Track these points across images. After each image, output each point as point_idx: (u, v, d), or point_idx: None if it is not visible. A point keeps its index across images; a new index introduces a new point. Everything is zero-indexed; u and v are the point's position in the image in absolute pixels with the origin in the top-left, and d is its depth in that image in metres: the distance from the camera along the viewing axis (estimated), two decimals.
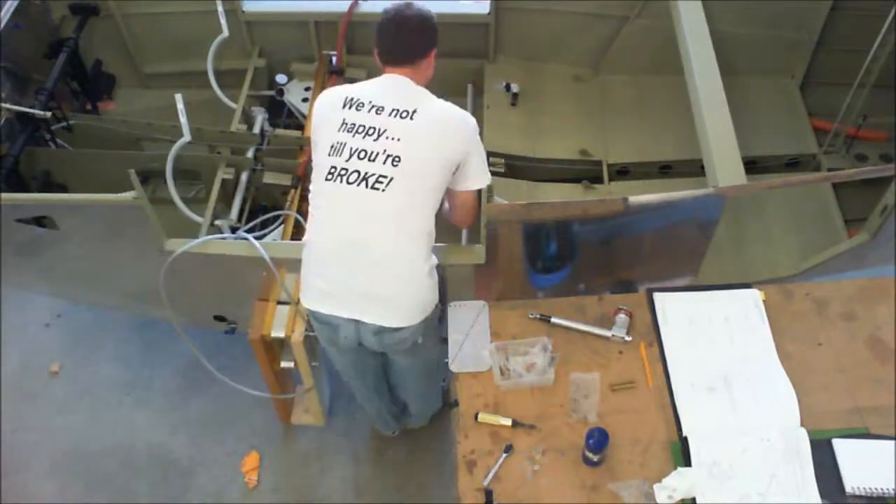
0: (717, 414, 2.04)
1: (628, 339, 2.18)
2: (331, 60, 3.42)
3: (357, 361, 2.47)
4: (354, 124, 2.13)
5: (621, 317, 2.21)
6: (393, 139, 2.09)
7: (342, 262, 2.14)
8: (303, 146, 3.08)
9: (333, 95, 2.21)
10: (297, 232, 2.89)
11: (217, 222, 2.84)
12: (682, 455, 1.97)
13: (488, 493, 1.92)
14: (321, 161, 2.17)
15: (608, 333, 2.19)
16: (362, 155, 2.10)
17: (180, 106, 2.88)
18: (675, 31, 2.72)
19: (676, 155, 3.25)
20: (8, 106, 2.87)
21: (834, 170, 3.16)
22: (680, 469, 1.94)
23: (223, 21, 3.24)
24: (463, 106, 3.50)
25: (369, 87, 2.20)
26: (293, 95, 3.42)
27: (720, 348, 2.17)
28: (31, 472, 3.02)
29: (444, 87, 3.53)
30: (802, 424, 2.01)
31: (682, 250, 2.56)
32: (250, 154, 3.06)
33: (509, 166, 3.20)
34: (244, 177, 3.02)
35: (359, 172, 2.10)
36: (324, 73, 3.41)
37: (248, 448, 3.05)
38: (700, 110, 2.43)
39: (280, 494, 2.96)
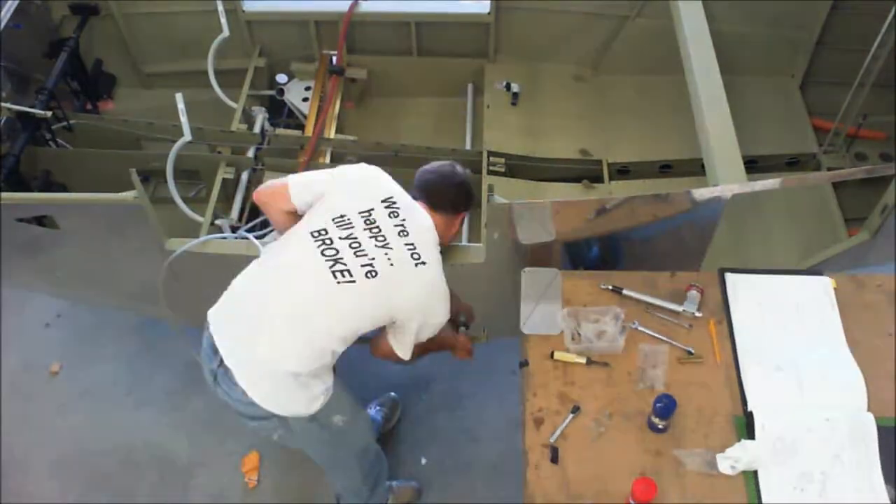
0: (784, 392, 2.05)
1: (699, 314, 2.21)
2: (331, 60, 3.43)
3: None
4: (374, 222, 2.07)
5: (693, 293, 2.23)
6: (388, 260, 2.02)
7: (251, 314, 2.06)
8: (303, 146, 3.08)
9: (379, 179, 2.18)
10: None
11: (217, 222, 2.84)
12: (746, 429, 2.00)
13: (554, 450, 1.97)
14: (319, 218, 2.08)
15: (679, 308, 2.22)
16: (354, 246, 2.02)
17: (181, 105, 2.88)
18: (675, 31, 2.72)
19: (676, 154, 3.26)
20: (8, 105, 2.87)
21: (834, 169, 3.16)
22: (744, 441, 1.96)
23: (223, 21, 3.24)
24: (463, 106, 3.57)
25: (412, 207, 2.14)
26: (293, 95, 3.42)
27: (789, 330, 2.18)
28: (31, 472, 3.02)
29: (444, 88, 3.60)
30: (869, 410, 2.02)
31: (682, 250, 2.56)
32: (251, 153, 3.06)
33: (509, 166, 3.20)
34: (245, 176, 3.02)
35: (337, 253, 2.01)
36: (324, 72, 3.42)
37: (248, 448, 3.05)
38: (700, 110, 2.43)
39: (280, 494, 2.96)
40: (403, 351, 2.15)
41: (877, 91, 3.05)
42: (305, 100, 3.39)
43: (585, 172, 3.26)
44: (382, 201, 2.11)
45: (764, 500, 1.89)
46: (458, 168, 2.24)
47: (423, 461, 3.01)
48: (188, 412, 3.15)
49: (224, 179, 2.97)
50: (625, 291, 2.26)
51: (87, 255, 2.69)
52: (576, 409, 2.04)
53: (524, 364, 2.15)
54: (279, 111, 3.42)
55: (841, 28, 3.30)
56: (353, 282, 1.99)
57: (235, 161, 3.04)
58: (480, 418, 3.12)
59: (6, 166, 2.75)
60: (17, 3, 3.00)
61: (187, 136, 2.89)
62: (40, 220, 2.61)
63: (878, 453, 1.95)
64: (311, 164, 3.02)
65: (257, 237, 2.49)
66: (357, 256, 2.01)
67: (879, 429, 1.98)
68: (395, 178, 2.21)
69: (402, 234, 2.06)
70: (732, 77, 2.60)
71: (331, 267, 2.00)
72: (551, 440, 1.99)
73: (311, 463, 2.99)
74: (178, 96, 2.89)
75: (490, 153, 3.18)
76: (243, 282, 2.13)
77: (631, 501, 1.84)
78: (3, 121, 2.87)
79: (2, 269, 2.75)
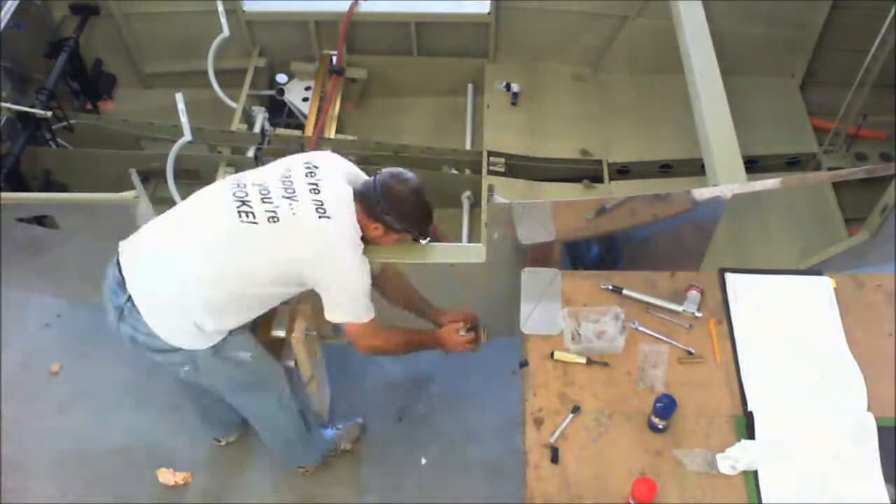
0: (784, 392, 2.05)
1: (699, 314, 2.21)
2: (331, 60, 3.43)
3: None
4: (290, 177, 2.14)
5: (693, 293, 2.23)
6: (292, 210, 2.07)
7: (157, 252, 2.15)
8: (303, 146, 3.08)
9: (329, 158, 2.26)
10: None
11: None
12: (746, 429, 2.00)
13: (554, 450, 1.97)
14: (245, 176, 2.18)
15: (679, 308, 2.22)
16: (263, 192, 2.10)
17: (181, 105, 2.88)
18: (675, 31, 2.72)
19: (676, 154, 3.26)
20: (9, 105, 2.87)
21: (834, 169, 3.16)
22: (744, 441, 1.96)
23: (223, 21, 3.25)
24: (463, 106, 3.57)
25: (335, 168, 2.22)
26: (293, 95, 3.42)
27: (789, 330, 2.19)
28: (31, 472, 3.02)
29: (444, 88, 3.60)
30: (869, 410, 2.02)
31: (682, 250, 2.56)
32: (251, 153, 3.06)
33: (509, 166, 3.21)
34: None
35: (245, 196, 2.10)
36: (324, 72, 3.42)
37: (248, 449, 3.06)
38: (700, 110, 2.44)
39: (280, 494, 2.96)
40: (352, 314, 2.17)
41: (877, 91, 3.05)
42: (305, 100, 3.39)
43: (585, 172, 3.26)
44: (305, 163, 2.18)
45: (764, 500, 1.89)
46: (413, 191, 2.16)
47: (423, 461, 3.00)
48: (188, 412, 3.14)
49: None
50: (625, 291, 2.26)
51: (88, 254, 2.68)
52: (576, 409, 2.04)
53: (524, 364, 2.15)
54: (279, 111, 3.43)
55: (841, 28, 3.30)
56: (255, 223, 2.05)
57: (235, 161, 3.04)
58: (480, 418, 3.11)
59: (6, 166, 2.75)
60: (17, 3, 3.00)
61: (187, 136, 2.89)
62: (40, 220, 2.61)
63: (878, 453, 1.95)
64: None
65: None
66: (263, 202, 2.08)
67: (879, 429, 1.98)
68: None
69: (313, 191, 2.11)
70: (732, 77, 2.60)
71: (238, 207, 2.08)
72: (551, 440, 1.99)
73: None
74: (178, 96, 2.89)
75: (490, 153, 3.18)
76: (157, 218, 2.22)
77: (631, 501, 1.84)
78: (3, 121, 2.88)
79: (2, 270, 2.75)
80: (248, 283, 2.12)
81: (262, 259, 2.10)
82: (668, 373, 2.10)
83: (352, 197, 2.15)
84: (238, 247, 2.08)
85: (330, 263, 2.11)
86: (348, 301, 2.17)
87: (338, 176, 2.19)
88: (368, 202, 2.14)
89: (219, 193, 2.15)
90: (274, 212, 2.07)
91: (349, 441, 2.98)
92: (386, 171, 2.18)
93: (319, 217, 2.07)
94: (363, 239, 2.16)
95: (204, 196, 2.19)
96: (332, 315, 2.18)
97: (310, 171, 2.16)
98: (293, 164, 2.20)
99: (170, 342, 2.13)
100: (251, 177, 2.17)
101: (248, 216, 2.06)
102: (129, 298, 2.11)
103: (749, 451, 1.93)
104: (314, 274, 2.11)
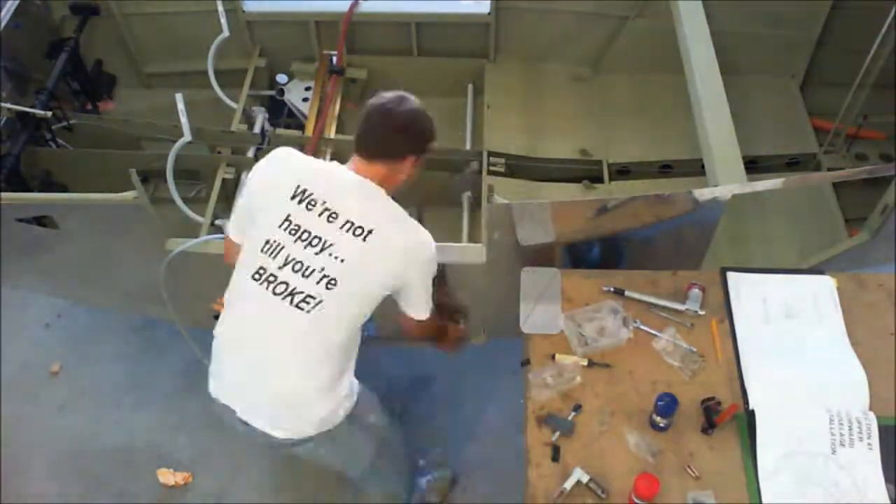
0: (786, 391, 2.05)
1: (701, 313, 2.22)
2: (331, 60, 3.43)
3: None
4: (299, 227, 1.86)
5: (695, 291, 2.24)
6: (336, 259, 1.84)
7: (240, 370, 1.99)
8: (303, 146, 3.08)
9: (284, 173, 1.92)
10: None
11: (217, 222, 2.84)
12: (747, 427, 2.01)
13: (555, 449, 1.97)
14: (250, 256, 1.91)
15: (681, 307, 2.23)
16: (297, 268, 1.84)
17: (181, 106, 2.88)
18: (675, 31, 2.72)
19: (677, 154, 3.26)
20: (9, 105, 2.87)
21: (834, 169, 3.16)
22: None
23: (223, 21, 3.24)
24: (463, 105, 3.57)
25: (327, 181, 1.90)
26: (293, 95, 3.42)
27: (791, 329, 2.19)
28: (31, 472, 3.02)
29: (444, 88, 3.60)
30: (870, 409, 2.03)
31: (682, 250, 2.56)
32: (251, 154, 3.06)
33: (509, 166, 3.20)
34: (244, 176, 3.02)
35: (287, 286, 1.85)
36: (324, 72, 3.41)
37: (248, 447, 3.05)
38: (700, 110, 2.43)
39: (280, 494, 2.96)
40: (423, 310, 1.99)
41: (877, 91, 3.05)
42: (305, 100, 3.39)
43: (585, 172, 3.26)
44: (292, 198, 1.87)
45: (764, 500, 1.90)
46: (405, 105, 1.90)
47: (421, 463, 3.00)
48: (188, 412, 3.15)
49: (224, 179, 2.97)
50: (626, 293, 2.25)
51: (87, 255, 2.69)
52: (577, 408, 2.05)
53: (526, 363, 2.15)
54: (279, 111, 3.42)
55: (841, 28, 3.30)
56: (321, 301, 1.84)
57: (235, 161, 3.04)
58: (480, 418, 3.12)
59: (6, 166, 2.75)
60: (17, 3, 3.00)
61: (187, 136, 2.89)
62: (40, 220, 2.60)
63: (879, 453, 1.95)
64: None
65: None
66: (306, 277, 1.84)
67: (880, 428, 1.98)
68: None
69: (330, 219, 1.85)
70: (732, 77, 2.60)
71: (290, 303, 1.85)
72: (553, 439, 2.00)
73: (311, 463, 3.00)
74: (178, 96, 2.89)
75: (490, 153, 3.18)
76: (222, 356, 2.03)
77: (634, 498, 1.84)
78: (3, 121, 2.87)
79: (2, 270, 2.75)
80: (347, 336, 1.93)
81: (352, 314, 1.91)
82: (668, 371, 2.11)
83: (352, 174, 1.90)
84: (319, 330, 1.88)
85: (411, 257, 1.89)
86: (422, 277, 1.94)
87: (326, 172, 1.94)
88: (367, 155, 1.90)
89: (261, 302, 1.88)
90: (324, 276, 1.84)
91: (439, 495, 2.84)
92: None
93: (364, 239, 1.84)
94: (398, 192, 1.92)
95: (248, 312, 1.94)
96: (423, 311, 2.00)
97: (308, 202, 1.87)
98: (283, 209, 1.88)
99: (310, 434, 2.00)
100: (271, 263, 1.87)
101: (307, 302, 1.84)
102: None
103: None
104: (402, 278, 1.91)
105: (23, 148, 2.85)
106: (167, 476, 2.97)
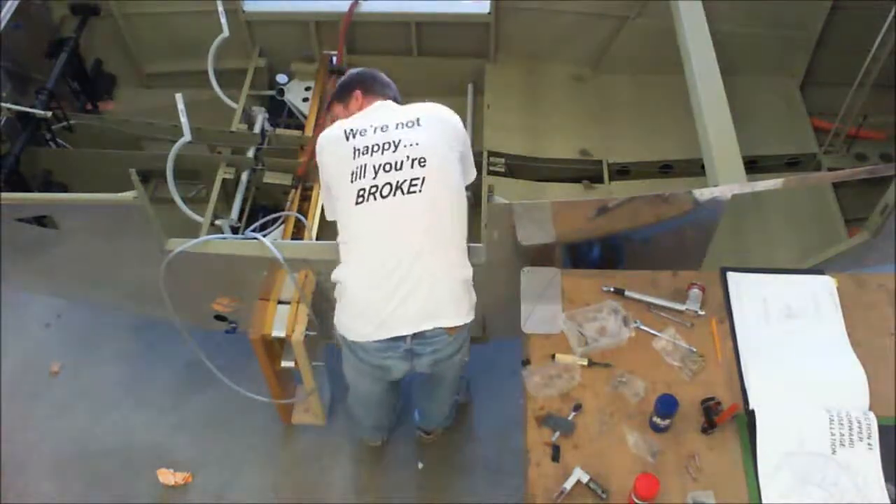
0: (786, 391, 2.05)
1: (701, 313, 2.22)
2: (331, 60, 3.43)
3: (389, 387, 2.50)
4: (367, 146, 2.17)
5: (695, 291, 2.24)
6: (411, 145, 2.15)
7: (389, 282, 2.12)
8: (303, 146, 3.08)
9: (332, 133, 2.25)
10: (297, 231, 2.90)
11: (217, 222, 2.85)
12: (747, 427, 2.01)
13: (556, 448, 1.98)
14: (345, 191, 2.16)
15: (681, 307, 2.23)
16: (388, 167, 2.13)
17: (181, 106, 2.88)
18: (675, 31, 2.72)
19: (677, 154, 3.26)
20: (9, 105, 2.87)
21: (834, 169, 3.16)
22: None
23: (224, 21, 3.24)
24: (463, 105, 3.57)
25: (362, 116, 2.28)
26: (293, 95, 3.42)
27: (791, 329, 2.19)
28: (31, 472, 3.02)
29: (444, 88, 3.60)
30: (870, 409, 2.03)
31: (682, 250, 2.56)
32: (251, 154, 3.06)
33: (509, 166, 3.21)
34: (244, 176, 3.02)
35: (391, 185, 2.13)
36: (324, 72, 3.42)
37: (248, 448, 3.06)
38: (700, 110, 2.43)
39: (280, 494, 2.96)
40: (473, 172, 2.41)
41: (877, 91, 3.05)
42: (305, 100, 3.39)
43: (585, 172, 3.26)
44: (347, 140, 2.21)
45: (764, 500, 1.90)
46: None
47: (420, 465, 3.00)
48: (188, 412, 3.15)
49: (224, 179, 2.97)
50: (626, 293, 2.26)
51: (88, 255, 2.69)
52: (577, 408, 2.05)
53: (526, 363, 2.15)
54: (279, 111, 3.42)
55: (841, 28, 3.30)
56: (424, 178, 2.13)
57: (235, 161, 3.04)
58: (480, 418, 3.12)
59: (6, 166, 2.75)
60: (17, 3, 3.00)
61: (187, 136, 2.89)
62: (40, 220, 2.61)
63: (878, 453, 1.95)
64: (312, 164, 3.02)
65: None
66: (399, 170, 2.14)
67: (880, 428, 1.98)
68: None
69: (384, 129, 2.20)
70: (732, 77, 2.60)
71: (403, 193, 2.12)
72: (553, 438, 2.00)
73: (310, 463, 3.01)
74: (178, 96, 2.89)
75: (490, 153, 3.18)
76: (358, 282, 2.17)
77: (634, 498, 1.84)
78: (3, 121, 2.87)
79: (2, 270, 2.75)
80: (463, 205, 2.24)
81: (451, 172, 2.20)
82: (668, 372, 2.11)
83: (379, 103, 2.32)
84: (433, 201, 2.15)
85: (459, 123, 2.30)
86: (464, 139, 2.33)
87: (384, 106, 2.33)
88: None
89: (375, 212, 2.14)
90: (412, 160, 2.14)
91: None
92: None
93: (418, 123, 2.22)
94: None
95: (370, 223, 2.17)
96: (474, 171, 2.40)
97: (358, 134, 2.21)
98: (364, 140, 2.21)
99: (467, 320, 2.20)
100: (365, 181, 2.15)
101: (413, 185, 2.13)
102: (411, 338, 2.15)
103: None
104: (460, 135, 2.29)
105: (23, 148, 2.85)
106: (167, 476, 2.97)
